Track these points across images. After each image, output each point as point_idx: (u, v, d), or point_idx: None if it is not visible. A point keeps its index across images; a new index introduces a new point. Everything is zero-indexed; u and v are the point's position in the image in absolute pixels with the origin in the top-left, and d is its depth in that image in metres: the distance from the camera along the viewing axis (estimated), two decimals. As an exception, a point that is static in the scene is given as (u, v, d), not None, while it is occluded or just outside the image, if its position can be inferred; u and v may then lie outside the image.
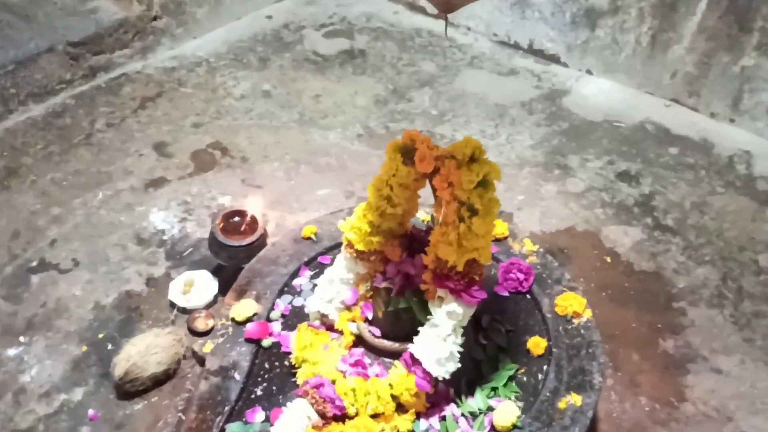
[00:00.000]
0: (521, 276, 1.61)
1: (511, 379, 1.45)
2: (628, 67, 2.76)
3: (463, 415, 1.38)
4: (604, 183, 2.33)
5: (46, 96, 2.53)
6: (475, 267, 1.24)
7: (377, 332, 1.40)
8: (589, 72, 2.87)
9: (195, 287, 1.86)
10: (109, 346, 1.74)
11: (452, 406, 1.38)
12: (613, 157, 2.45)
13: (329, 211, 1.88)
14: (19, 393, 1.64)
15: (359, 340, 1.44)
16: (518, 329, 1.56)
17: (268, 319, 1.55)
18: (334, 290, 1.43)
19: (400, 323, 1.37)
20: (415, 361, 1.31)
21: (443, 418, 1.36)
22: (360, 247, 1.33)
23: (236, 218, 1.82)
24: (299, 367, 1.42)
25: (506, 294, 1.61)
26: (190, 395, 1.47)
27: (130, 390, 1.63)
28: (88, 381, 1.67)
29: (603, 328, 1.81)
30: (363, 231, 1.31)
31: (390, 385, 1.33)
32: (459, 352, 1.32)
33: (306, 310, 1.51)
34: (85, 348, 1.75)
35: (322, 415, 1.31)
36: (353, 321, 1.43)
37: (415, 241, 1.39)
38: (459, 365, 1.32)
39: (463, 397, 1.40)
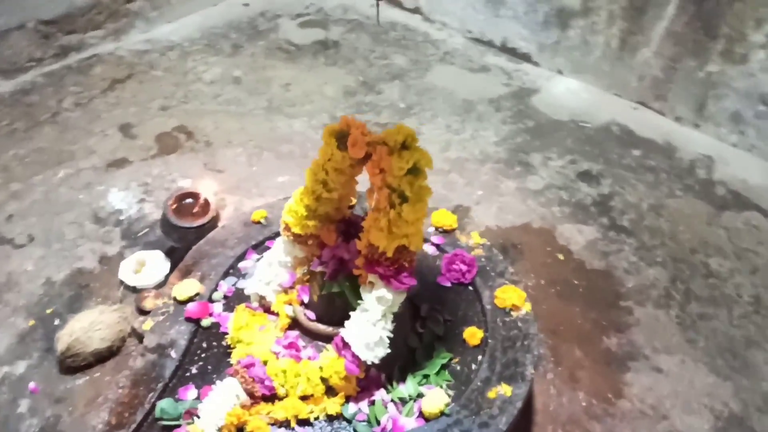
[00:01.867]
0: (464, 267, 1.63)
1: (444, 367, 1.46)
2: (596, 68, 2.79)
3: (393, 401, 1.40)
4: (564, 182, 2.36)
5: (14, 73, 2.53)
6: (405, 253, 1.25)
7: (312, 316, 1.42)
8: (559, 72, 2.89)
9: (146, 267, 1.87)
10: (56, 322, 1.75)
11: (382, 391, 1.40)
12: (576, 157, 2.47)
13: (286, 194, 1.89)
14: (-39, 364, 1.66)
15: (295, 323, 1.45)
16: (457, 319, 1.57)
17: (210, 300, 1.57)
18: (273, 273, 1.44)
19: (334, 307, 1.39)
20: (345, 345, 1.32)
21: (372, 403, 1.38)
22: (296, 230, 1.35)
23: (189, 200, 1.84)
24: (234, 347, 1.43)
25: (449, 285, 1.63)
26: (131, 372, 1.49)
27: (72, 365, 1.64)
28: (32, 355, 1.68)
29: (548, 323, 1.85)
30: (299, 214, 1.33)
31: (320, 367, 1.35)
32: (389, 338, 1.34)
33: (246, 292, 1.52)
34: (32, 322, 1.76)
35: (251, 394, 1.33)
36: (290, 304, 1.45)
37: (352, 227, 1.40)
38: (389, 350, 1.33)
39: (394, 383, 1.42)
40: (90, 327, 1.64)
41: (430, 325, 1.54)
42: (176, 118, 2.47)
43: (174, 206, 1.80)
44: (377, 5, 1.17)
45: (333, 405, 1.36)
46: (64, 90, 2.52)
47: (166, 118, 2.46)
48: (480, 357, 1.49)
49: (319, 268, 1.39)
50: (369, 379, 1.40)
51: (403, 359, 1.46)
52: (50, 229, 2.00)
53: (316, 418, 1.36)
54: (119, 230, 2.02)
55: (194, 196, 1.85)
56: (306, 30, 3.05)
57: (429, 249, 1.72)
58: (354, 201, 1.42)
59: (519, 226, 2.17)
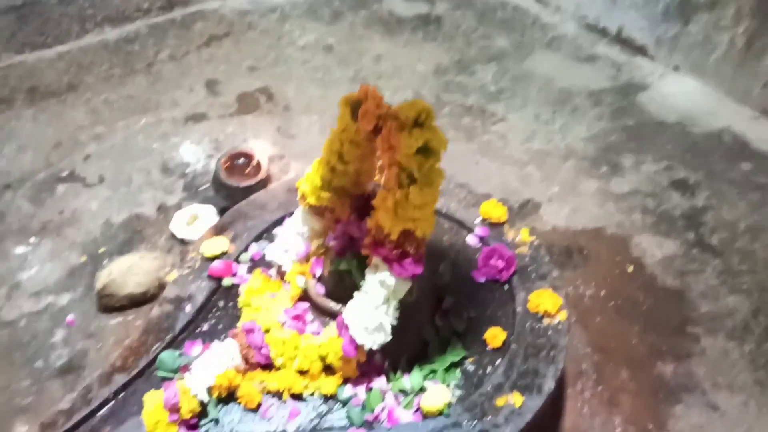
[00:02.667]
0: (501, 264, 1.52)
1: (455, 365, 1.37)
2: (717, 69, 2.51)
3: (393, 391, 1.32)
4: (653, 188, 2.15)
5: (122, 21, 2.64)
6: (410, 238, 1.17)
7: (322, 290, 1.37)
8: (675, 69, 2.64)
9: (198, 221, 1.89)
10: (105, 261, 1.81)
11: (383, 379, 1.33)
12: (674, 163, 2.24)
13: None
14: (14, 288, 1.75)
15: (306, 295, 1.41)
16: (482, 318, 1.47)
17: (237, 260, 1.55)
18: (290, 241, 1.40)
19: (344, 285, 1.33)
20: (345, 326, 1.27)
21: (370, 389, 1.32)
22: (311, 201, 1.30)
23: (242, 160, 1.83)
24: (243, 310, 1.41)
25: (482, 280, 1.53)
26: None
27: (107, 304, 1.69)
28: (77, 289, 1.75)
29: (597, 338, 1.70)
30: (314, 185, 1.28)
31: (320, 345, 1.30)
32: (393, 326, 1.26)
33: (266, 258, 1.50)
34: (83, 258, 1.83)
35: (246, 360, 1.30)
36: (302, 275, 1.40)
37: (370, 204, 1.33)
38: (389, 338, 1.26)
39: (399, 373, 1.34)
40: (128, 271, 1.68)
41: (452, 319, 1.45)
42: (261, 80, 2.48)
43: (226, 164, 1.81)
44: None
45: (329, 384, 1.31)
46: (164, 42, 2.61)
47: (252, 79, 2.49)
48: (498, 360, 1.39)
49: (331, 243, 1.33)
50: (371, 365, 1.34)
51: (414, 350, 1.39)
52: (120, 173, 2.08)
53: (311, 395, 1.32)
54: (182, 182, 2.06)
55: (248, 156, 1.85)
56: (411, 3, 2.97)
57: (471, 240, 1.62)
58: (377, 176, 1.34)
59: (591, 230, 2.00)
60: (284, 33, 2.72)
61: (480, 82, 2.55)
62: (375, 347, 1.26)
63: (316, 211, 1.32)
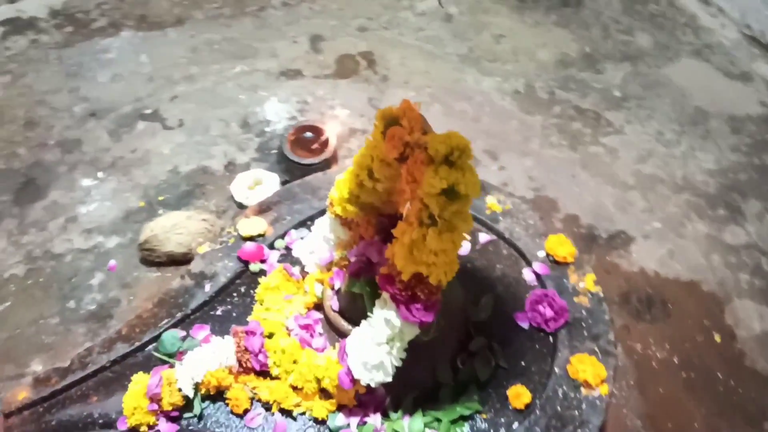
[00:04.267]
0: (549, 313, 1.33)
1: (464, 419, 1.22)
2: None
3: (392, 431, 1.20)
4: (775, 247, 1.83)
5: (244, -41, 2.57)
6: (423, 283, 1.02)
7: (336, 305, 1.25)
8: None
9: (260, 187, 1.82)
10: (160, 211, 1.79)
11: (379, 417, 1.21)
12: (810, 222, 1.90)
13: None
14: (70, 221, 1.77)
15: (321, 306, 1.30)
16: (512, 370, 1.30)
17: (271, 246, 1.46)
18: (317, 244, 1.29)
19: (356, 306, 1.20)
20: (346, 353, 1.15)
21: (364, 423, 1.20)
22: (337, 210, 1.17)
23: (309, 134, 1.72)
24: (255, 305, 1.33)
25: (525, 325, 1.35)
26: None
27: (147, 258, 1.67)
28: (126, 234, 1.74)
29: (654, 410, 1.48)
30: (341, 196, 1.15)
31: (319, 366, 1.19)
32: (396, 366, 1.13)
33: (293, 253, 1.40)
34: (141, 204, 1.81)
35: (240, 363, 1.22)
36: (321, 283, 1.29)
37: (399, 228, 1.18)
38: (389, 379, 1.13)
39: (399, 413, 1.21)
40: (171, 228, 1.64)
41: (476, 364, 1.29)
42: (368, 43, 2.34)
43: (293, 137, 1.70)
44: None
45: (321, 408, 1.21)
46: (282, -13, 2.52)
47: (358, 40, 2.35)
48: (516, 425, 1.22)
49: (354, 259, 1.20)
50: (371, 396, 1.22)
51: (424, 390, 1.25)
52: (200, 120, 2.04)
53: (301, 414, 1.22)
54: (258, 141, 1.98)
55: (317, 131, 1.73)
56: (552, -20, 2.69)
57: (527, 275, 1.43)
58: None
59: (684, 281, 1.74)
60: (407, -5, 2.55)
61: (605, 83, 2.27)
62: (373, 385, 1.13)
63: (343, 221, 1.19)
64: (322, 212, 1.52)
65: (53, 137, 1.96)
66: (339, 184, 1.16)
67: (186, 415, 1.22)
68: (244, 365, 1.22)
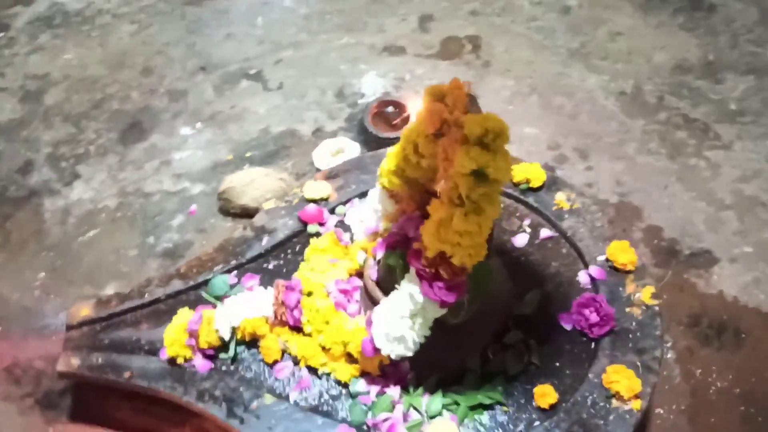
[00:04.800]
0: (595, 318, 1.28)
1: (485, 407, 1.21)
2: None
3: (407, 405, 1.21)
4: None
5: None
6: (446, 263, 1.02)
7: (374, 275, 1.27)
8: None
9: (342, 155, 1.86)
10: (246, 166, 1.87)
11: (400, 389, 1.22)
12: None
13: (524, 149, 1.77)
14: (164, 164, 1.90)
15: (362, 273, 1.32)
16: (545, 369, 1.27)
17: (332, 211, 1.50)
18: (366, 213, 1.31)
19: (391, 279, 1.21)
20: (371, 322, 1.17)
21: (383, 393, 1.22)
22: (383, 182, 1.19)
23: (392, 109, 1.74)
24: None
25: (568, 327, 1.31)
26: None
27: (223, 207, 1.76)
28: (210, 183, 1.85)
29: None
30: (389, 168, 1.16)
31: (347, 330, 1.23)
32: (419, 343, 1.14)
33: (345, 220, 1.43)
34: (230, 157, 1.91)
35: (276, 315, 1.27)
36: (365, 252, 1.31)
37: (442, 206, 1.18)
38: (410, 353, 1.15)
39: (420, 390, 1.22)
40: (249, 183, 1.72)
41: (508, 357, 1.27)
42: (476, 27, 2.31)
43: (375, 110, 1.73)
44: None
45: (345, 371, 1.24)
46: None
47: (468, 23, 2.33)
48: (536, 424, 1.20)
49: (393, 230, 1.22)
50: (396, 368, 1.24)
51: (448, 374, 1.25)
52: (299, 85, 2.11)
53: (326, 374, 1.26)
54: (348, 112, 2.03)
55: (400, 107, 1.75)
56: (689, -20, 2.53)
57: (582, 277, 1.39)
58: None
59: (765, 313, 1.61)
60: (526, -18, 2.49)
61: (722, 94, 2.12)
62: (393, 356, 1.15)
63: (390, 194, 1.21)
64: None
65: (164, 86, 2.10)
66: (389, 155, 1.18)
67: (221, 355, 1.29)
68: (279, 318, 1.27)
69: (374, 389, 1.23)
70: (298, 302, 1.27)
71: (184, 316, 1.29)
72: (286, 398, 1.24)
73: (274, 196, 1.70)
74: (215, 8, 2.37)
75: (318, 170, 1.85)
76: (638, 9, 2.41)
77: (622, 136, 1.98)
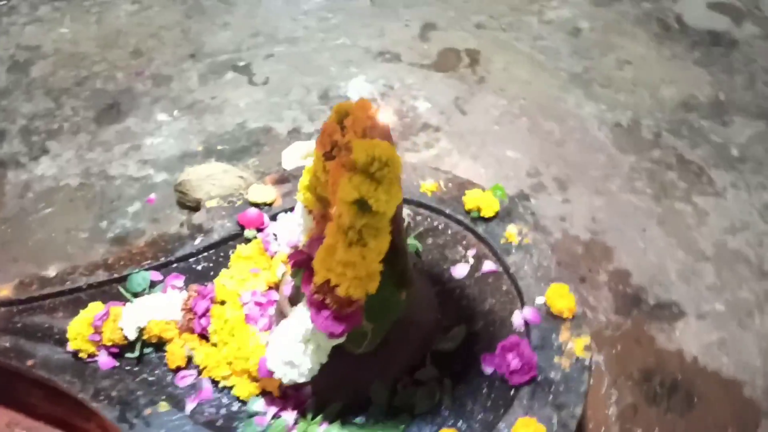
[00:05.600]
0: (516, 364, 1.20)
1: (381, 445, 1.15)
2: None
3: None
4: None
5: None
6: (331, 292, 0.96)
7: (288, 291, 1.22)
8: None
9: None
10: (212, 159, 1.84)
11: (297, 414, 1.17)
12: None
13: (502, 173, 1.73)
14: (133, 149, 1.88)
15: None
16: (455, 412, 1.20)
17: (274, 218, 1.46)
18: (290, 225, 1.26)
19: (299, 297, 1.16)
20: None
21: (278, 417, 1.17)
22: (299, 197, 1.13)
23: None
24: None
25: (489, 371, 1.23)
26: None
27: (179, 200, 1.73)
28: (174, 174, 1.82)
29: None
30: (302, 182, 1.11)
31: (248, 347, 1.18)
32: (313, 371, 1.08)
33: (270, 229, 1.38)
34: (200, 148, 1.88)
35: (184, 320, 1.23)
36: (284, 265, 1.26)
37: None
38: (303, 380, 1.09)
39: (319, 418, 1.17)
40: (206, 178, 1.68)
41: (418, 394, 1.20)
42: (479, 42, 2.24)
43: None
44: None
45: (244, 388, 1.19)
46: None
47: (471, 36, 2.25)
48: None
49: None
50: (296, 392, 1.19)
51: (352, 404, 1.19)
52: (284, 83, 2.07)
53: (226, 388, 1.21)
54: (328, 109, 1.97)
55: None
56: (711, 12, 2.40)
57: (516, 319, 1.31)
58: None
59: (724, 378, 1.51)
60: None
61: (726, 137, 2.00)
62: (285, 381, 1.10)
63: (308, 209, 1.15)
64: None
65: (150, 69, 2.08)
66: (306, 171, 1.12)
67: (127, 354, 1.26)
68: (186, 324, 1.23)
69: (272, 410, 1.18)
70: (207, 310, 1.22)
71: (93, 309, 1.26)
72: (182, 408, 1.20)
73: (227, 193, 1.66)
74: (219, -6, 2.35)
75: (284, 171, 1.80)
76: (653, 38, 2.30)
77: (609, 170, 1.89)
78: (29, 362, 1.25)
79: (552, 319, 1.29)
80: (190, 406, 1.20)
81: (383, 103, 1.98)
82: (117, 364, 1.25)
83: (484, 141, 1.93)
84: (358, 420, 1.18)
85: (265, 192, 1.46)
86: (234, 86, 2.05)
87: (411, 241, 1.39)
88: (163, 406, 1.19)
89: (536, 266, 1.37)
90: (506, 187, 1.77)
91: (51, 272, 1.56)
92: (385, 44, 2.20)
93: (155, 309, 1.23)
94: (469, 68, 2.15)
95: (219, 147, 1.88)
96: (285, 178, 1.53)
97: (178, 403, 1.21)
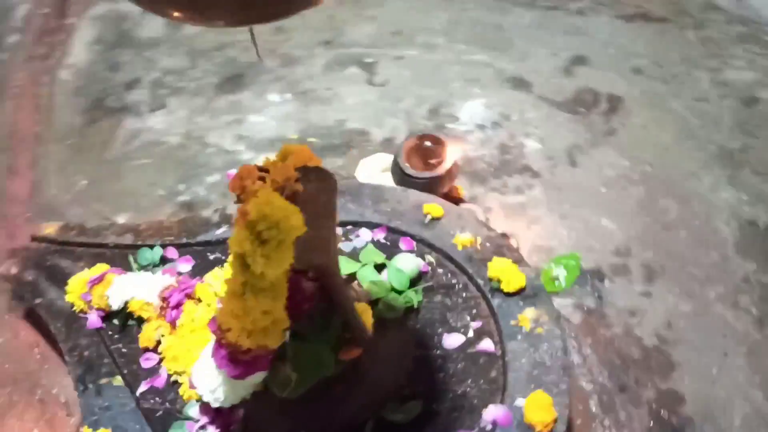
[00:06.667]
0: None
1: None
2: None
3: None
4: None
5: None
6: (224, 334, 0.92)
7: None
8: None
9: (387, 174, 1.76)
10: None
11: (218, 435, 1.16)
12: None
13: (587, 242, 1.62)
14: (236, 122, 1.95)
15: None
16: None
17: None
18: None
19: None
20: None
21: (203, 428, 1.16)
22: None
23: (429, 144, 1.58)
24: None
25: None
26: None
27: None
28: (261, 155, 1.85)
29: None
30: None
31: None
32: (231, 401, 1.06)
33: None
34: (295, 136, 1.90)
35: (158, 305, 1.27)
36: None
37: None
38: (217, 405, 1.07)
39: None
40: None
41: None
42: (629, 88, 1.98)
43: (413, 143, 1.59)
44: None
45: (186, 390, 1.20)
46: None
47: (622, 80, 2.00)
48: None
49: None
50: (229, 412, 1.17)
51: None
52: (401, 89, 2.01)
53: (175, 383, 1.24)
54: (432, 126, 1.89)
55: (440, 144, 1.58)
56: None
57: (487, 414, 1.17)
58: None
59: None
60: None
61: (710, 191, 1.59)
62: (213, 404, 1.09)
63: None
64: (365, 224, 1.42)
65: (284, 48, 2.13)
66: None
67: (114, 321, 1.32)
68: (159, 310, 1.26)
69: (203, 420, 1.17)
70: (180, 303, 1.24)
71: (96, 270, 1.33)
72: (134, 389, 1.24)
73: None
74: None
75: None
76: None
77: (715, 273, 1.60)
78: (37, 300, 1.37)
79: (525, 428, 1.13)
80: (141, 389, 1.23)
81: (482, 134, 1.84)
82: (103, 326, 1.31)
83: (582, 201, 1.72)
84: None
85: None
86: (351, 82, 2.03)
87: (409, 293, 1.29)
88: (117, 381, 1.24)
89: (537, 362, 1.21)
90: (584, 259, 1.60)
91: (120, 219, 1.69)
92: (521, 69, 2.04)
93: (140, 287, 1.28)
94: (602, 116, 1.92)
95: (310, 139, 1.88)
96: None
97: (134, 383, 1.24)
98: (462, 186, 1.73)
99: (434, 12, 2.23)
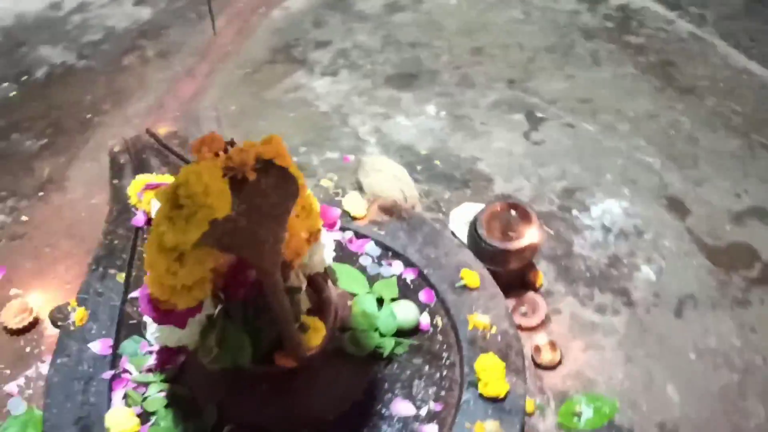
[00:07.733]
0: None
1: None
2: None
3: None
4: None
5: None
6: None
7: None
8: None
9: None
10: (420, 168, 1.84)
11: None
12: None
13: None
14: (382, 116, 1.98)
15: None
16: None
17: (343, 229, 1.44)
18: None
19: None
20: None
21: (147, 353, 1.24)
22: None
23: (514, 214, 1.48)
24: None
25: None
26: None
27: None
28: (382, 157, 1.87)
29: None
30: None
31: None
32: (159, 340, 1.12)
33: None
34: (425, 152, 1.89)
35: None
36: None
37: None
38: (153, 342, 1.14)
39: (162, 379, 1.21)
40: (378, 170, 1.70)
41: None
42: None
43: (494, 209, 1.49)
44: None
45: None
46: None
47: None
48: None
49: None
50: (172, 351, 1.23)
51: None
52: (553, 156, 1.89)
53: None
54: (548, 208, 1.77)
55: (524, 216, 1.47)
56: None
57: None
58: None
59: None
60: None
61: None
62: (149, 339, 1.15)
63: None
64: (402, 257, 1.39)
65: (468, 70, 2.11)
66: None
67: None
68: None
69: (154, 348, 1.24)
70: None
71: (162, 179, 1.45)
72: (128, 291, 1.33)
73: (377, 192, 1.66)
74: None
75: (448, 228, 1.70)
76: None
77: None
78: (115, 181, 1.53)
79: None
80: (133, 294, 1.32)
81: (602, 236, 1.68)
82: (143, 227, 1.43)
83: (660, 355, 1.51)
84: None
85: (359, 205, 1.44)
86: (509, 127, 1.95)
87: (387, 341, 1.24)
88: (120, 277, 1.35)
89: None
90: (621, 413, 1.43)
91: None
92: (689, 193, 1.81)
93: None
94: (745, 282, 1.65)
95: (436, 161, 1.85)
96: (390, 211, 1.47)
97: (133, 287, 1.34)
98: (544, 274, 1.60)
99: (638, 97, 2.05)
